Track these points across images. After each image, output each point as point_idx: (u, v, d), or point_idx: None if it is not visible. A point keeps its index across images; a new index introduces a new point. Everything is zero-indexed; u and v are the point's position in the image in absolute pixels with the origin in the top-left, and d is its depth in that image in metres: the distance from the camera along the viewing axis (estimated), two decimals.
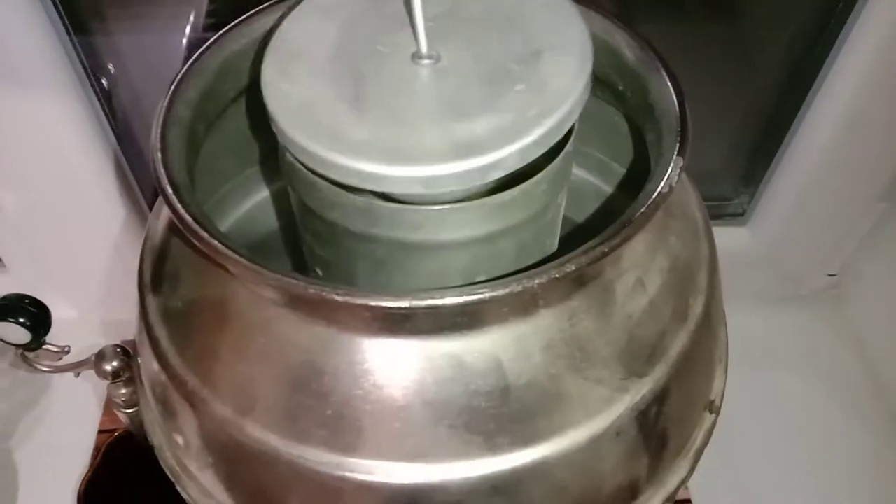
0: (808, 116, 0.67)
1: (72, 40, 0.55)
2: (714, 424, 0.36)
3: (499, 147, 0.26)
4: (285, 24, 0.31)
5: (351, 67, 0.29)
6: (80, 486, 0.61)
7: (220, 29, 0.35)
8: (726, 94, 0.69)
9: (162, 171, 0.28)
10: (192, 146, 0.32)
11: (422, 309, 0.24)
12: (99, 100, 0.59)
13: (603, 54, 0.35)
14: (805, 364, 0.78)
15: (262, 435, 0.28)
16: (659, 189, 0.27)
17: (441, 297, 0.24)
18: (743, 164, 0.75)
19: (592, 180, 0.42)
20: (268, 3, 0.36)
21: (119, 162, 0.63)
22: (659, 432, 0.31)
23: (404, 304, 0.24)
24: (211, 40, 0.34)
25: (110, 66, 0.60)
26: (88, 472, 0.62)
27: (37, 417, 0.69)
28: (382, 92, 0.29)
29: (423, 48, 0.29)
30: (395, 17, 0.31)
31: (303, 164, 0.28)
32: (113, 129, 0.61)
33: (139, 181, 0.66)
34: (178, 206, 0.27)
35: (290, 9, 0.32)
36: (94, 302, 0.72)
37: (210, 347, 0.30)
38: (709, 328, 0.33)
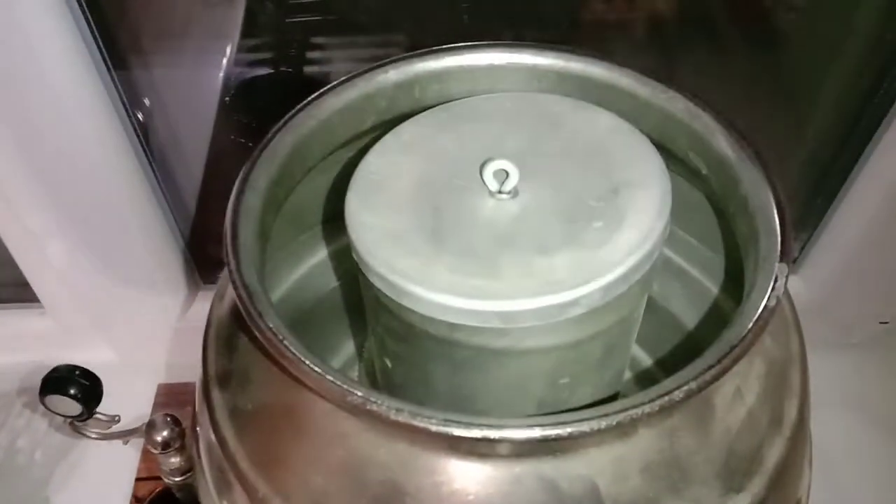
0: (865, 166, 0.66)
1: (111, 75, 0.54)
2: None
3: (578, 285, 0.26)
4: (369, 156, 0.32)
5: (431, 201, 0.30)
6: None
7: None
8: (783, 138, 0.67)
9: (237, 275, 0.27)
10: (261, 237, 0.31)
11: (518, 442, 0.23)
12: (137, 136, 0.58)
13: (685, 137, 0.33)
14: (856, 412, 0.76)
15: None
16: (765, 303, 0.25)
17: (539, 428, 0.23)
18: (798, 210, 0.73)
19: (679, 262, 0.41)
20: (335, 83, 0.34)
21: (156, 199, 0.62)
22: None
23: (501, 434, 0.23)
24: (279, 125, 0.33)
25: (146, 101, 0.59)
26: None
27: (73, 463, 0.68)
28: (461, 225, 0.29)
29: (503, 185, 0.29)
30: (475, 153, 0.31)
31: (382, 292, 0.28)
32: (150, 164, 0.60)
33: (176, 218, 0.65)
34: (257, 318, 0.25)
35: (374, 141, 0.33)
36: (134, 347, 0.71)
37: (283, 455, 0.28)
38: (802, 431, 0.31)
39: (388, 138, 0.32)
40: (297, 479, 0.28)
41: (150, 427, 0.45)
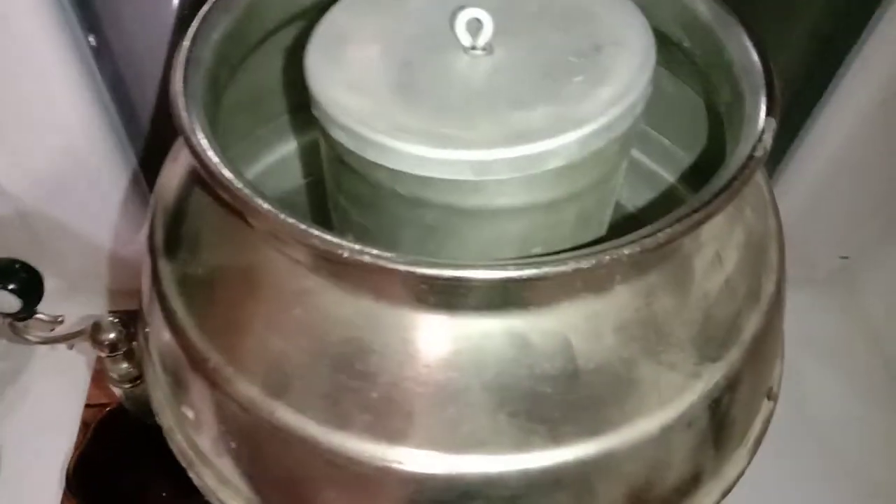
0: (828, 102, 0.65)
1: None
2: (772, 412, 0.33)
3: (556, 135, 0.25)
4: (334, 9, 0.30)
5: (401, 56, 0.28)
6: (69, 464, 0.57)
7: None
8: None
9: (184, 114, 0.24)
10: (213, 93, 0.28)
11: (495, 282, 0.21)
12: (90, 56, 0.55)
13: (669, 7, 0.31)
14: (816, 346, 0.77)
15: (296, 419, 0.25)
16: (751, 152, 0.24)
17: (516, 269, 0.21)
18: None
19: (645, 161, 0.39)
20: None
21: (112, 122, 0.59)
22: (728, 421, 0.29)
23: (484, 274, 0.21)
24: None
25: (101, 22, 0.56)
26: (77, 449, 0.59)
27: (20, 389, 0.66)
28: (433, 81, 0.27)
29: (477, 40, 0.28)
30: (448, 9, 0.29)
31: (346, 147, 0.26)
32: (106, 89, 0.57)
33: (133, 145, 0.62)
34: (206, 155, 0.23)
35: None
36: (87, 273, 0.68)
37: (237, 320, 0.26)
38: (779, 310, 0.30)
39: None
40: (252, 343, 0.26)
41: (96, 328, 0.43)
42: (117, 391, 0.48)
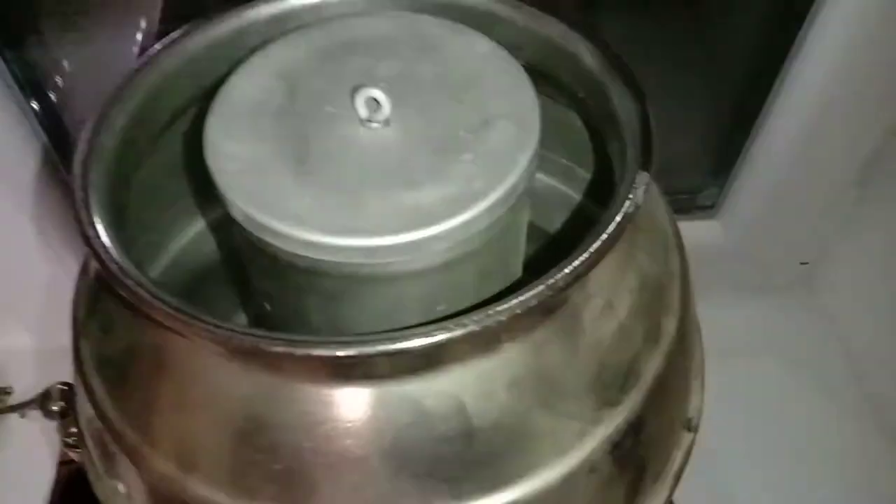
0: (776, 106, 0.67)
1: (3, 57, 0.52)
2: (693, 443, 0.34)
3: (443, 220, 0.26)
4: (233, 78, 0.31)
5: (298, 129, 0.29)
6: None
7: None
8: (692, 86, 0.68)
9: (84, 214, 0.25)
10: (120, 179, 0.29)
11: (372, 356, 0.22)
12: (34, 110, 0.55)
13: (561, 61, 0.33)
14: (780, 353, 0.77)
15: (209, 493, 0.26)
16: (624, 210, 0.25)
17: (392, 342, 0.22)
18: (711, 156, 0.74)
19: (559, 187, 0.40)
20: (200, 20, 0.33)
21: (55, 167, 0.59)
22: (636, 461, 0.29)
23: (351, 352, 0.22)
24: (140, 62, 0.31)
25: (58, 80, 0.57)
26: None
27: None
28: (328, 155, 0.28)
29: (375, 115, 0.29)
30: (347, 78, 0.30)
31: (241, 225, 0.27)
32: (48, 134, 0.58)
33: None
34: (101, 253, 0.24)
35: (240, 63, 0.32)
36: (45, 332, 0.68)
37: (147, 399, 0.27)
38: (683, 346, 0.31)
39: (255, 59, 0.31)
40: (162, 420, 0.27)
41: (45, 397, 0.44)
42: (73, 455, 0.48)
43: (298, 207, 0.26)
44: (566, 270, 0.23)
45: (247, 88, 0.31)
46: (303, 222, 0.26)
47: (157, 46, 0.32)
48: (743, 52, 0.65)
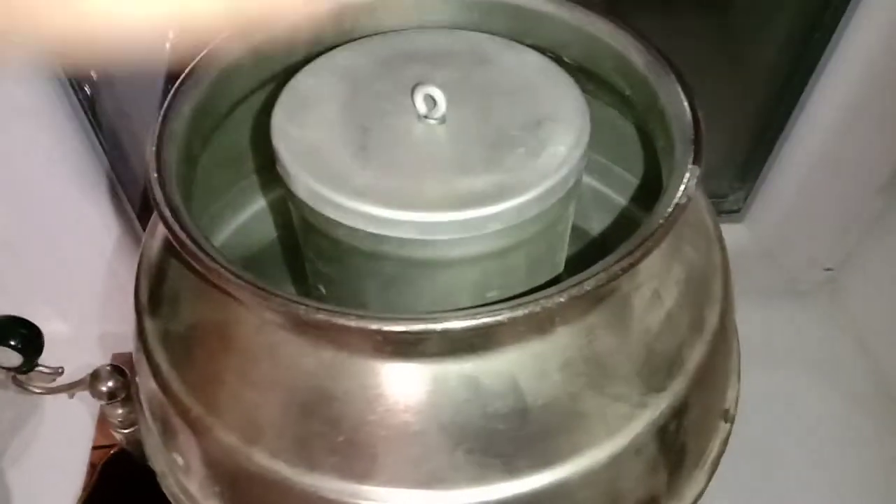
0: (804, 111, 0.67)
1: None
2: (729, 434, 0.35)
3: (496, 202, 0.27)
4: (300, 75, 0.33)
5: (359, 120, 0.31)
6: None
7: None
8: (721, 90, 0.68)
9: (159, 191, 0.27)
10: (188, 162, 0.31)
11: (437, 333, 0.23)
12: (83, 109, 0.57)
13: (609, 59, 0.34)
14: (804, 358, 0.78)
15: (271, 463, 0.27)
16: (676, 200, 0.26)
17: (457, 320, 0.23)
18: (739, 160, 0.75)
19: (602, 189, 0.42)
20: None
21: (107, 172, 0.61)
22: (678, 446, 0.30)
23: (418, 327, 0.23)
24: (204, 52, 0.33)
25: (93, 73, 0.58)
26: (85, 490, 0.61)
27: (28, 435, 0.68)
28: (387, 145, 0.30)
29: (432, 111, 0.30)
30: (406, 81, 0.32)
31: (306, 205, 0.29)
32: (98, 139, 0.59)
33: (127, 192, 0.64)
34: (177, 229, 0.26)
35: (306, 62, 0.34)
36: (86, 318, 0.70)
37: (213, 373, 0.29)
38: (724, 338, 0.32)
39: (321, 60, 0.33)
40: (228, 394, 0.28)
41: (95, 377, 0.45)
42: (118, 436, 0.50)
43: (359, 184, 0.28)
44: (622, 257, 0.24)
45: (312, 84, 0.32)
46: (364, 197, 0.27)
47: (224, 35, 0.33)
48: (773, 57, 0.66)
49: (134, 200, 0.65)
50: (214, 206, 0.41)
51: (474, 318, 0.23)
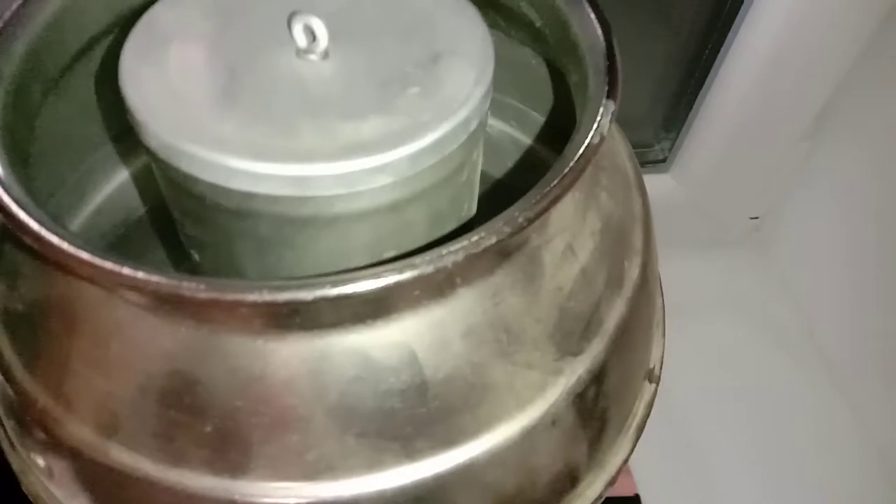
0: (728, 60, 0.66)
1: None
2: (655, 394, 0.33)
3: (387, 149, 0.23)
4: (157, 6, 0.27)
5: (226, 60, 0.26)
6: None
7: None
8: (644, 39, 0.66)
9: None
10: (21, 111, 0.26)
11: (313, 301, 0.20)
12: None
13: None
14: (731, 307, 0.78)
15: (132, 459, 0.23)
16: (589, 140, 0.23)
17: (336, 286, 0.20)
18: (664, 109, 0.73)
19: (510, 131, 0.38)
20: None
21: None
22: (598, 413, 0.28)
23: (285, 296, 0.19)
24: None
25: None
26: None
27: None
28: (259, 87, 0.25)
29: (313, 45, 0.26)
30: (282, 9, 0.27)
31: (161, 158, 0.24)
32: None
33: None
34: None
35: None
36: None
37: (59, 358, 0.24)
38: (647, 293, 0.30)
39: None
40: (77, 381, 0.24)
41: None
42: None
43: (221, 133, 0.23)
44: (528, 206, 0.21)
45: (171, 17, 0.27)
46: (225, 147, 0.23)
47: None
48: (694, 5, 0.64)
49: None
50: (84, 166, 0.35)
51: (353, 283, 0.19)
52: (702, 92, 0.69)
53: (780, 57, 0.63)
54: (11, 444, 0.30)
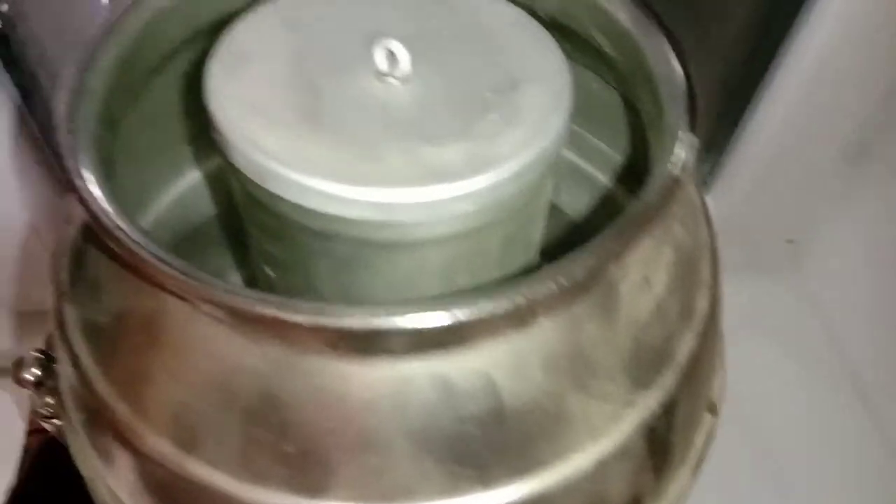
0: (771, 82, 0.65)
1: None
2: (714, 426, 0.33)
3: (469, 177, 0.24)
4: (238, 24, 0.28)
5: (308, 79, 0.26)
6: (8, 498, 0.55)
7: None
8: (690, 59, 0.66)
9: (71, 161, 0.22)
10: (108, 124, 0.26)
11: (406, 331, 0.20)
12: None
13: (587, 12, 0.30)
14: (765, 331, 0.77)
15: (210, 474, 0.24)
16: (672, 174, 0.23)
17: (428, 315, 0.20)
18: (705, 131, 0.73)
19: (575, 160, 0.38)
20: None
21: (24, 119, 0.55)
22: (666, 444, 0.28)
23: (380, 323, 0.20)
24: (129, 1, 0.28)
25: (3, 6, 0.52)
26: (19, 476, 0.56)
27: None
28: (341, 108, 0.26)
29: (394, 69, 0.26)
30: (363, 30, 0.28)
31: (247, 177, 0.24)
32: (14, 82, 0.53)
33: (49, 141, 0.58)
34: (94, 206, 0.21)
35: (245, 10, 0.29)
36: (8, 293, 0.65)
37: (141, 370, 0.25)
38: (714, 325, 0.30)
39: (262, 7, 0.28)
40: (159, 395, 0.24)
41: (17, 366, 0.40)
42: (48, 427, 0.46)
43: (310, 155, 0.24)
44: (615, 239, 0.21)
45: (253, 34, 0.28)
46: (313, 170, 0.23)
47: None
48: (737, 30, 0.64)
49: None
50: (144, 176, 0.36)
51: (448, 313, 0.20)
52: (745, 114, 0.69)
53: (823, 80, 0.62)
54: (81, 449, 0.30)
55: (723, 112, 0.70)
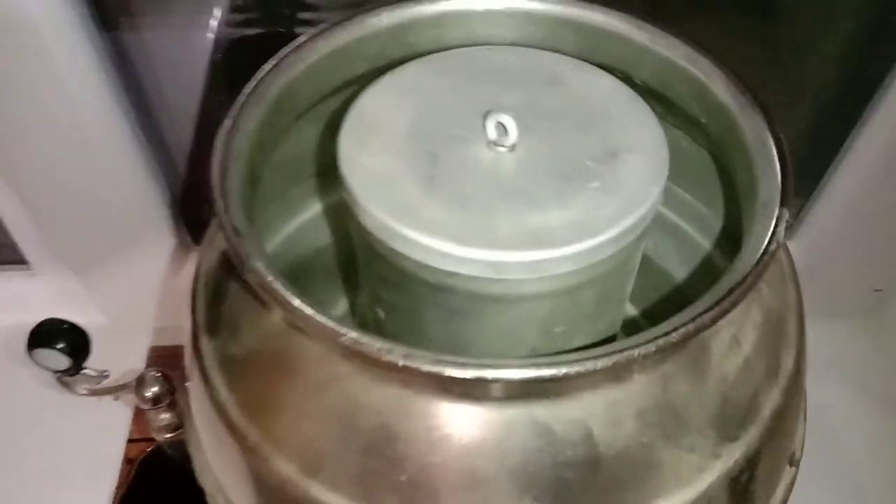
0: (862, 129, 0.65)
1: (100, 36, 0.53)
2: (795, 477, 0.34)
3: (573, 241, 0.26)
4: (364, 96, 0.31)
5: (427, 147, 0.29)
6: (114, 501, 0.59)
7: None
8: (777, 106, 0.67)
9: (229, 223, 0.26)
10: (251, 182, 0.30)
11: (516, 382, 0.22)
12: (126, 96, 0.57)
13: (684, 84, 0.33)
14: (849, 379, 0.76)
15: (330, 497, 0.27)
16: (766, 247, 0.25)
17: (536, 369, 0.22)
18: (794, 176, 0.72)
19: (662, 211, 0.40)
20: (325, 26, 0.33)
21: (146, 158, 0.60)
22: (748, 495, 0.29)
23: (496, 374, 0.22)
24: (269, 67, 0.32)
25: (134, 61, 0.58)
26: (121, 485, 0.61)
27: (64, 427, 0.68)
28: (457, 174, 0.29)
29: (503, 139, 0.29)
30: (473, 102, 0.31)
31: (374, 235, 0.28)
32: (140, 126, 0.59)
33: (166, 178, 0.63)
34: (260, 270, 0.25)
35: (370, 83, 0.32)
36: (123, 307, 0.70)
37: (273, 402, 0.28)
38: (798, 383, 0.31)
39: (385, 79, 0.32)
40: (289, 425, 0.27)
41: (140, 382, 0.45)
42: (159, 438, 0.50)
43: (429, 218, 0.27)
44: (711, 308, 0.23)
45: (378, 106, 0.31)
46: (434, 232, 0.26)
47: (286, 50, 0.33)
48: (829, 77, 0.64)
49: (173, 188, 0.64)
50: (266, 214, 0.40)
51: (552, 368, 0.22)
52: (834, 161, 0.69)
53: None
54: (205, 466, 0.34)
55: (811, 157, 0.70)
